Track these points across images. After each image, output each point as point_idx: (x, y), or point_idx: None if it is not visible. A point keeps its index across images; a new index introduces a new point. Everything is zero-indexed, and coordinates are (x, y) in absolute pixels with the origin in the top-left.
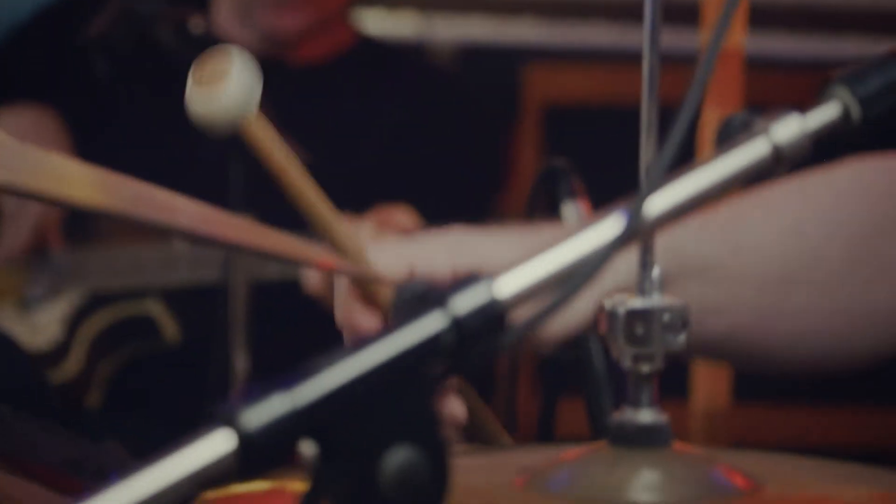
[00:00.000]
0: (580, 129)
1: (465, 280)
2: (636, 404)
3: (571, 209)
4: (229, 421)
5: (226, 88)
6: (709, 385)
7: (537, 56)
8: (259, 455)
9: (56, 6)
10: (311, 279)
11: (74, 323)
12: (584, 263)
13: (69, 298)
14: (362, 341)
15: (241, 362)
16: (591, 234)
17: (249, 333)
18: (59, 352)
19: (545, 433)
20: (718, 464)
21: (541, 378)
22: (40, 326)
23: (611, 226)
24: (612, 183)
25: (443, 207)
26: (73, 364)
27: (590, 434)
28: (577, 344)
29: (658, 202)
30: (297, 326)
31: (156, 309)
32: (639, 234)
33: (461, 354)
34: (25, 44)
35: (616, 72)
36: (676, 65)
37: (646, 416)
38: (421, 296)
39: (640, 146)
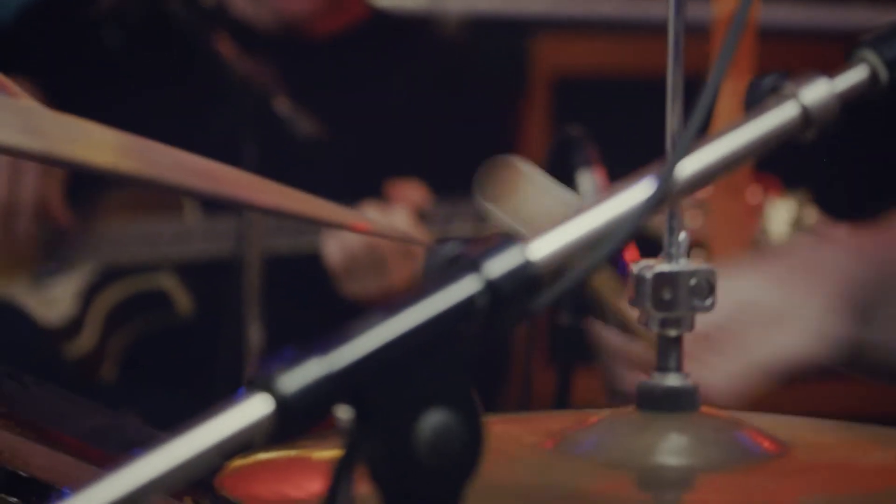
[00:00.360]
0: (589, 99)
1: (498, 243)
2: (663, 368)
3: (587, 177)
4: (266, 385)
5: (522, 204)
6: None
7: (546, 27)
8: (295, 419)
9: None
10: (331, 253)
11: (88, 297)
12: (615, 226)
13: (82, 273)
14: (397, 305)
15: (254, 335)
16: (623, 198)
17: (262, 306)
18: (74, 326)
19: (561, 402)
20: (745, 427)
21: (556, 348)
22: (54, 301)
23: (642, 190)
24: (622, 152)
25: (454, 178)
26: (87, 338)
27: (606, 402)
28: (592, 312)
29: (688, 166)
30: (309, 300)
31: (169, 282)
32: (670, 198)
33: (495, 317)
34: (38, 17)
35: (624, 42)
36: (687, 34)
37: (673, 380)
38: (453, 259)
39: (666, 113)
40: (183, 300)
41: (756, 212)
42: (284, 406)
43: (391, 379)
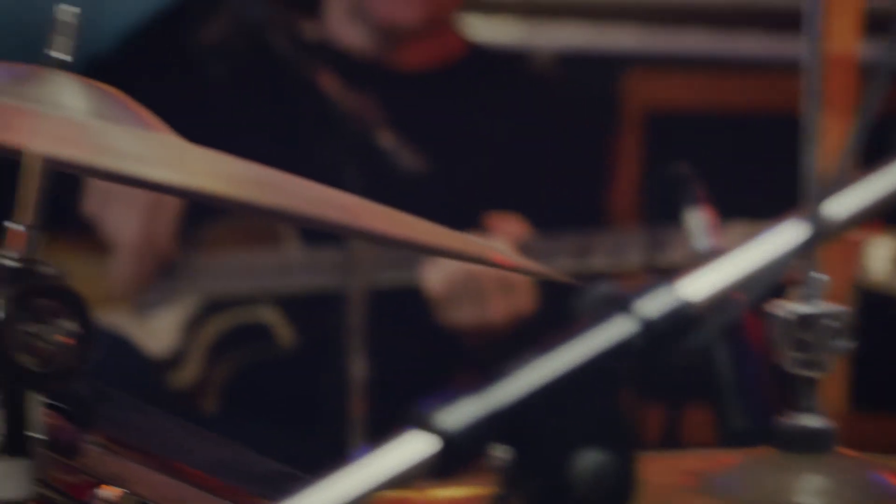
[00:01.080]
0: (681, 135)
1: (653, 283)
2: (801, 409)
3: (695, 216)
4: (428, 424)
5: None
6: (827, 393)
7: (638, 63)
8: (457, 457)
9: (167, 11)
10: (431, 281)
11: (191, 329)
12: (769, 266)
13: (185, 304)
14: (554, 344)
15: (357, 369)
16: (776, 238)
17: (366, 340)
18: (177, 357)
19: (670, 440)
20: (882, 468)
21: (666, 385)
22: (157, 332)
23: (794, 230)
24: (714, 189)
25: (551, 213)
26: (190, 370)
27: (717, 442)
28: (702, 351)
29: (839, 206)
30: (413, 333)
31: (271, 315)
32: (824, 237)
33: (651, 357)
34: (139, 49)
35: (716, 78)
36: (781, 71)
37: (809, 420)
38: (610, 299)
39: (802, 151)
40: (285, 333)
41: (855, 249)
42: (448, 444)
43: (548, 417)
